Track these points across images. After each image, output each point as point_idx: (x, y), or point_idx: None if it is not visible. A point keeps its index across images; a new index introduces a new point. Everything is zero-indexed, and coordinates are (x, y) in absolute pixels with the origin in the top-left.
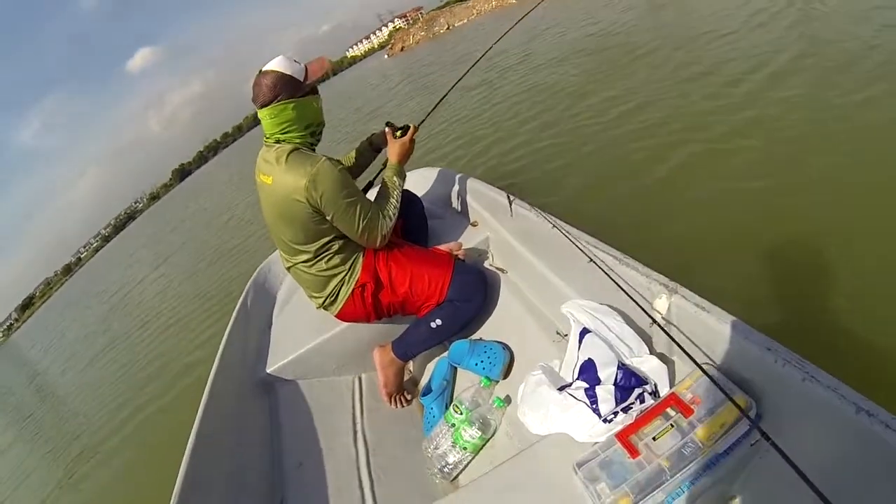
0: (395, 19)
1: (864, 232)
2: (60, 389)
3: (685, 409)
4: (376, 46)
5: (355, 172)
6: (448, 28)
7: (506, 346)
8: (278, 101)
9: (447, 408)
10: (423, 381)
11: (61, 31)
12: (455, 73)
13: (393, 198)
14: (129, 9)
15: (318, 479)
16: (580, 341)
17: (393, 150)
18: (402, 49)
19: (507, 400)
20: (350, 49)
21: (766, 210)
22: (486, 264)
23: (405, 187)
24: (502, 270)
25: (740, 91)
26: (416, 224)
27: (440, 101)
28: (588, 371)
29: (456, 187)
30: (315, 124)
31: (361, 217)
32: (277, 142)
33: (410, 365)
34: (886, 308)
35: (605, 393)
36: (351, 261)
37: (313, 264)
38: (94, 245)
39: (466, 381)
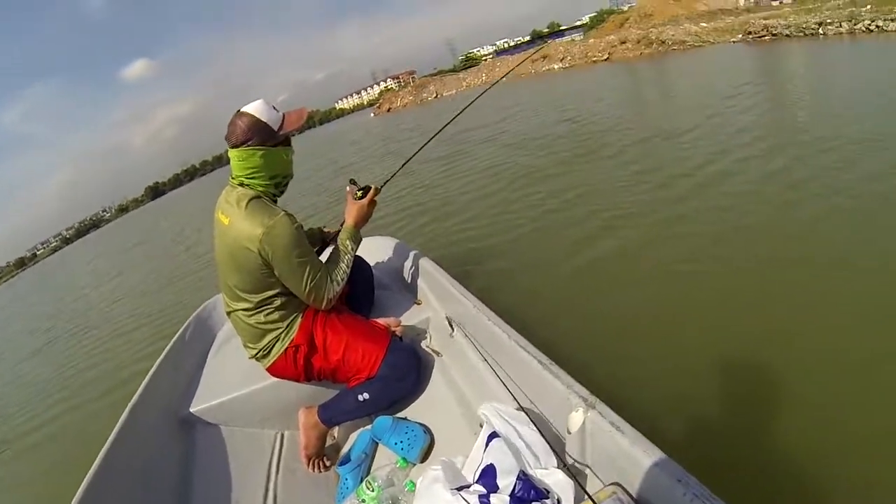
0: (389, 79)
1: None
2: None
3: None
4: (365, 103)
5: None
6: (436, 96)
7: (427, 430)
8: (248, 146)
9: (361, 481)
10: (344, 450)
11: (64, 21)
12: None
13: (343, 262)
14: (135, 17)
15: None
16: (486, 444)
17: (351, 212)
18: (388, 110)
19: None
20: (340, 101)
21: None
22: (423, 344)
23: (358, 252)
24: (437, 353)
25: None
26: (361, 292)
27: (400, 168)
28: (487, 476)
29: (408, 262)
30: (281, 176)
31: (310, 279)
32: (241, 184)
33: (335, 431)
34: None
35: (499, 502)
36: (289, 319)
37: (252, 315)
38: (53, 245)
39: (385, 459)
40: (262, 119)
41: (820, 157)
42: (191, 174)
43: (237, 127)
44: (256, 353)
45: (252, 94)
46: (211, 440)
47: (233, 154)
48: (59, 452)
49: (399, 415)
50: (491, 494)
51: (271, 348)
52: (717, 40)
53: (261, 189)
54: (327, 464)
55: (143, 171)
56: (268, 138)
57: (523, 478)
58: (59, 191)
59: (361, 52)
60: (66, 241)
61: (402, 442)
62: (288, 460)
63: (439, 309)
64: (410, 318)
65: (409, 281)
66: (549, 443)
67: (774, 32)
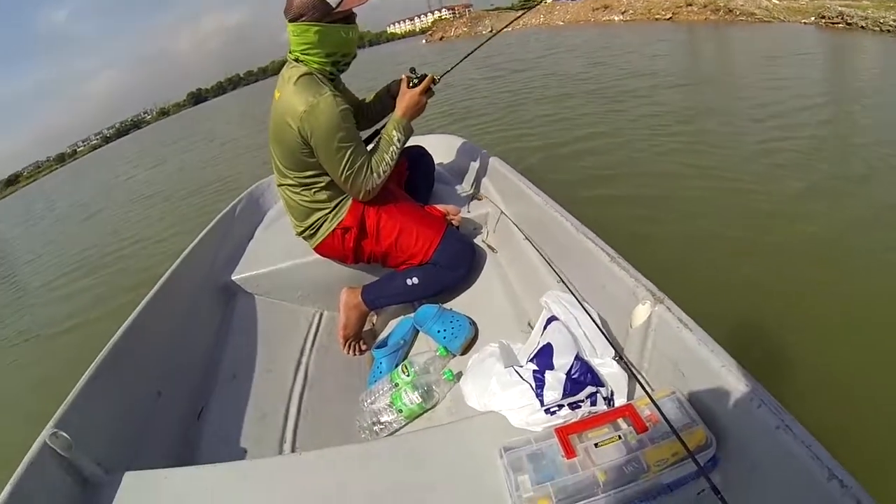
0: (444, 9)
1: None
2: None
3: (639, 425)
4: (417, 30)
5: (370, 117)
6: (491, 31)
7: (473, 323)
8: (303, 21)
9: (396, 367)
10: (382, 336)
11: None
12: (482, 72)
13: (387, 154)
14: None
15: (247, 396)
16: (544, 327)
17: (401, 102)
18: (441, 38)
19: (458, 377)
20: (391, 25)
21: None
22: (478, 239)
23: (421, 144)
24: (493, 249)
25: None
26: (421, 180)
27: (460, 61)
28: (543, 356)
29: (473, 160)
30: (340, 54)
31: (347, 165)
32: (297, 60)
33: (374, 317)
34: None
35: (555, 380)
36: (337, 200)
37: (298, 192)
38: (93, 143)
39: (424, 347)
40: None
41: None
42: (234, 83)
43: (294, 0)
44: (303, 231)
45: None
46: (248, 310)
47: (289, 28)
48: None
49: (445, 305)
50: (546, 371)
51: (318, 227)
52: (787, 18)
53: (315, 66)
54: (363, 347)
55: (187, 76)
56: (323, 15)
57: (580, 359)
58: (103, 91)
59: None
60: (107, 139)
61: (445, 331)
62: (323, 339)
63: (502, 205)
64: (469, 211)
65: (473, 178)
66: (608, 336)
67: (850, 21)
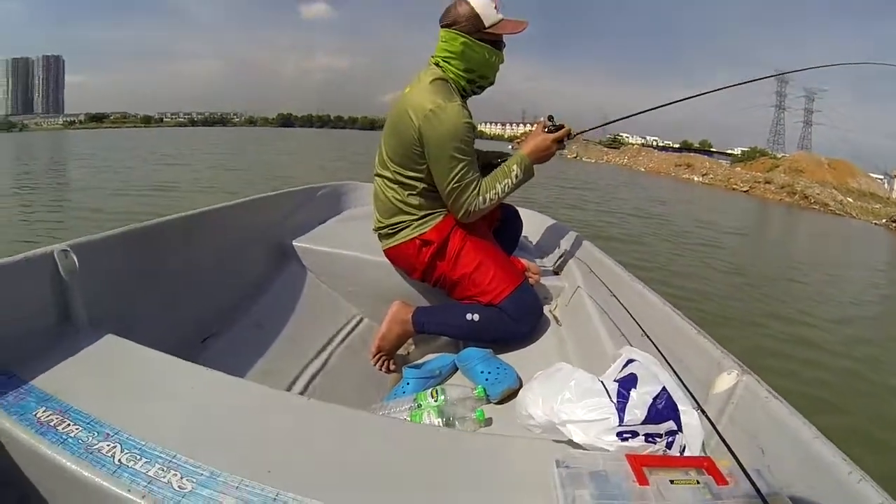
0: (536, 124)
1: None
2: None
3: (720, 479)
4: (505, 136)
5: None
6: (576, 157)
7: (519, 378)
8: (453, 29)
9: (425, 390)
10: (418, 362)
11: None
12: (557, 190)
13: (500, 184)
14: None
15: (260, 348)
16: (624, 365)
17: (531, 140)
18: None
19: (489, 422)
20: (483, 124)
21: None
22: (546, 308)
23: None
24: (558, 321)
25: None
26: (509, 235)
27: (597, 126)
28: (627, 381)
29: (560, 237)
30: (477, 74)
31: (457, 178)
32: (437, 64)
33: (411, 345)
34: None
35: (640, 401)
36: (427, 211)
37: (392, 188)
38: (180, 120)
39: (460, 382)
40: (476, 9)
41: None
42: (323, 121)
43: (452, 9)
44: (382, 228)
45: (408, 79)
46: (294, 279)
47: (440, 33)
48: None
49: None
50: (631, 390)
51: (399, 230)
52: (859, 215)
53: (452, 75)
54: (391, 367)
55: (282, 97)
56: (472, 29)
57: (667, 392)
58: (201, 77)
59: (520, 89)
60: (193, 122)
61: (490, 373)
62: (355, 341)
63: (578, 283)
64: (544, 281)
65: (555, 252)
66: (689, 391)
67: None
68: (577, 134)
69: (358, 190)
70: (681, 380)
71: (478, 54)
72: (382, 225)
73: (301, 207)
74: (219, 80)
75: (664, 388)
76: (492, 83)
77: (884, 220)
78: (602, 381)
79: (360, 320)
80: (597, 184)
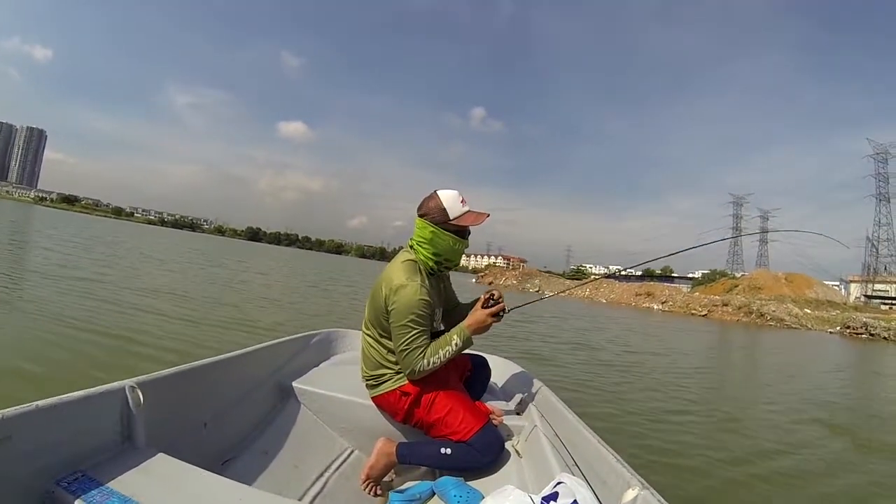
0: (500, 256)
1: None
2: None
3: None
4: (469, 268)
5: (457, 318)
6: (539, 290)
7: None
8: (424, 218)
9: None
10: (401, 487)
11: (263, 64)
12: (516, 327)
13: (442, 350)
14: (315, 89)
15: (265, 473)
16: (555, 486)
17: (472, 315)
18: (490, 283)
19: None
20: None
21: None
22: (508, 444)
23: (486, 358)
24: (519, 454)
25: None
26: (477, 382)
27: (526, 304)
28: (550, 498)
29: (523, 383)
30: (444, 257)
31: (406, 342)
32: (411, 246)
33: (392, 474)
34: None
35: None
36: None
37: (375, 346)
38: (150, 217)
39: None
40: (444, 204)
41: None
42: (291, 240)
43: (426, 202)
44: (368, 379)
45: (374, 204)
46: (292, 415)
47: (416, 220)
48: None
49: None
50: (551, 502)
51: (382, 382)
52: (814, 326)
53: (422, 257)
54: (378, 492)
55: (253, 211)
56: (441, 221)
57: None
58: (178, 179)
59: (485, 223)
60: (163, 221)
61: (461, 497)
62: (347, 470)
63: (538, 424)
64: (508, 420)
65: (519, 395)
66: (600, 502)
67: (873, 332)
68: (511, 309)
69: (346, 337)
70: (595, 495)
71: (444, 242)
72: (369, 376)
73: (299, 353)
74: (193, 185)
75: (575, 501)
76: (457, 265)
77: (838, 328)
78: (532, 498)
79: (351, 452)
80: (543, 318)
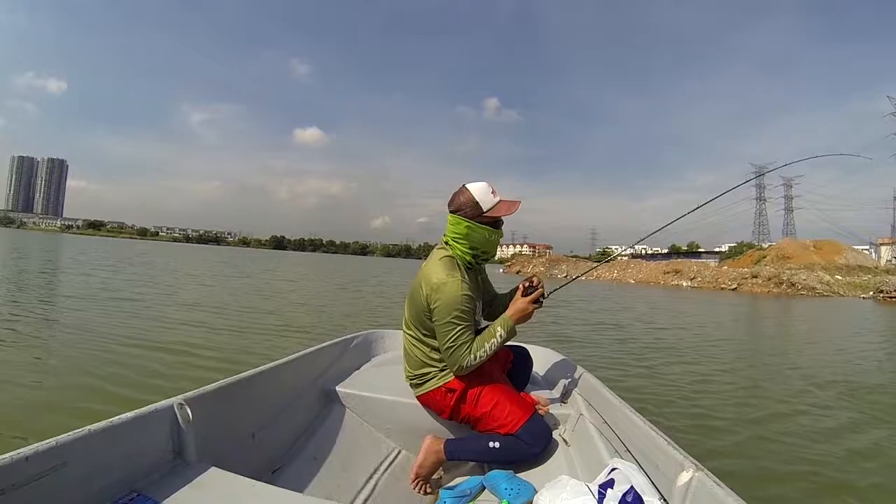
0: (526, 245)
1: None
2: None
3: None
4: (496, 259)
5: (497, 310)
6: (566, 276)
7: (536, 491)
8: (458, 215)
9: None
10: (450, 483)
11: (273, 69)
12: (551, 309)
13: (488, 343)
14: (325, 93)
15: (316, 479)
16: (609, 472)
17: (513, 305)
18: (518, 272)
19: None
20: None
21: None
22: (556, 433)
23: (528, 348)
24: (567, 443)
25: None
26: (520, 373)
27: (566, 283)
28: (606, 486)
29: (566, 371)
30: (480, 250)
31: (452, 339)
32: (447, 243)
33: (441, 471)
34: None
35: (613, 497)
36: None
37: (417, 345)
38: (175, 235)
39: (488, 499)
40: (476, 198)
41: None
42: (315, 245)
43: (457, 197)
44: (412, 379)
45: (396, 202)
46: (338, 419)
47: (448, 218)
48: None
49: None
50: (608, 489)
51: (426, 380)
52: (846, 293)
53: (458, 252)
54: (428, 490)
55: (276, 220)
56: (474, 214)
57: (634, 490)
58: (201, 195)
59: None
60: (188, 238)
61: (512, 489)
62: (396, 471)
63: (584, 413)
64: (555, 409)
65: (562, 384)
66: (657, 487)
67: None
68: (551, 292)
69: (385, 337)
70: (650, 479)
71: (479, 235)
72: (413, 376)
73: (340, 357)
74: (215, 200)
75: (632, 487)
76: (494, 256)
77: (871, 293)
78: (588, 486)
79: (399, 452)
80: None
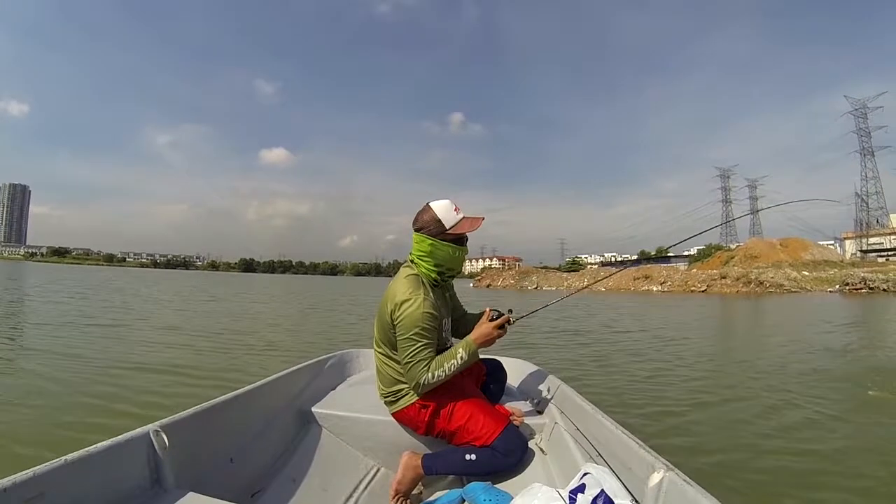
0: (495, 258)
1: None
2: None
3: None
4: (465, 273)
5: (464, 329)
6: (536, 287)
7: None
8: (422, 233)
9: None
10: (430, 499)
11: (237, 89)
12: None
13: (447, 364)
14: (292, 115)
15: (295, 501)
16: (581, 478)
17: (477, 329)
18: (488, 286)
19: None
20: None
21: None
22: (532, 442)
23: (500, 360)
24: (542, 451)
25: None
26: (494, 386)
27: (531, 312)
28: (577, 490)
29: (540, 382)
30: (445, 267)
31: (411, 355)
32: (412, 261)
33: (420, 487)
34: None
35: (583, 502)
36: None
37: (387, 363)
38: (143, 261)
39: None
40: (438, 215)
41: None
42: (284, 267)
43: (420, 216)
44: (386, 396)
45: (364, 220)
46: (315, 440)
47: (413, 236)
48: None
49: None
50: (579, 493)
51: (400, 397)
52: (813, 288)
53: (424, 270)
54: None
55: (244, 243)
56: (438, 232)
57: (605, 494)
58: (167, 219)
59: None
60: (155, 263)
61: (490, 500)
62: (375, 488)
63: (559, 421)
64: (529, 419)
65: (537, 394)
66: (628, 489)
67: (872, 286)
68: (517, 319)
69: (360, 357)
70: (622, 481)
71: (444, 252)
72: (386, 393)
73: (315, 377)
74: (182, 223)
75: (602, 490)
76: (459, 272)
77: (837, 287)
78: (560, 492)
79: (378, 470)
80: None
